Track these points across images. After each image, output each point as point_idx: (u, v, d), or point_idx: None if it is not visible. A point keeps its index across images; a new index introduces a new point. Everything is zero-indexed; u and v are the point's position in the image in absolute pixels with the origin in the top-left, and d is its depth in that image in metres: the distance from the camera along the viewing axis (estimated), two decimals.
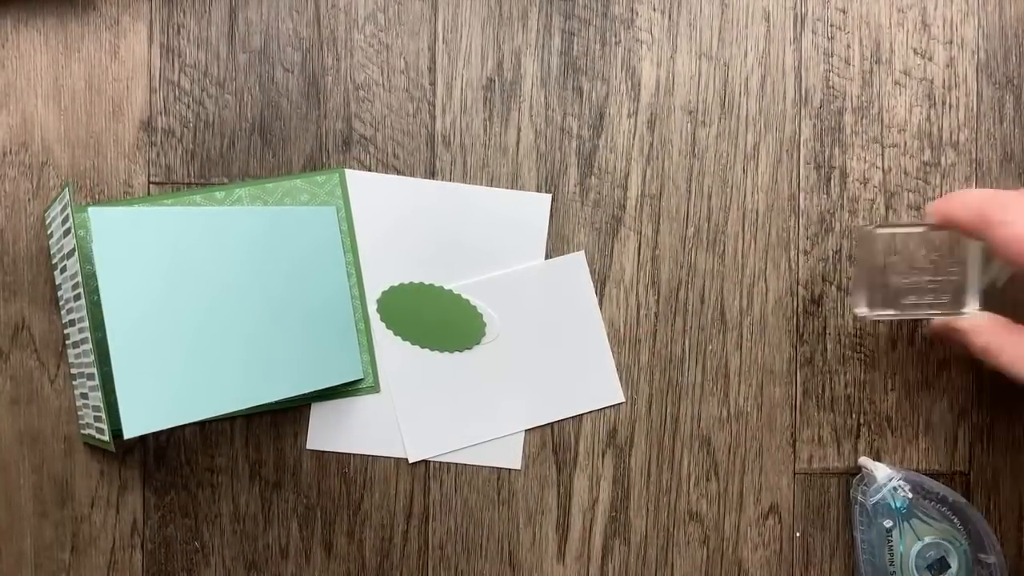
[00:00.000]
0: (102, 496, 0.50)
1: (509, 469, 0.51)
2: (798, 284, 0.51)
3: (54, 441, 0.50)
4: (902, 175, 0.51)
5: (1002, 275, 0.46)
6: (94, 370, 0.46)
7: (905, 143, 0.51)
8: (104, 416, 0.46)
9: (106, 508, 0.50)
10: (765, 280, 0.51)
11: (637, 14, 0.51)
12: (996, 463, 0.51)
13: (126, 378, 0.41)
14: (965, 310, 0.47)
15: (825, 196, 0.51)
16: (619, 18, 0.51)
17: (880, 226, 0.46)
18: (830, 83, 0.51)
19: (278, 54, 0.51)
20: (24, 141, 0.50)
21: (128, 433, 0.40)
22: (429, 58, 0.51)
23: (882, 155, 0.51)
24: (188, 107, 0.50)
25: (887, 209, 0.51)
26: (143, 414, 0.41)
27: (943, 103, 0.51)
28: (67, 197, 0.45)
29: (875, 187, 0.51)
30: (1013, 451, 0.51)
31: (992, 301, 0.46)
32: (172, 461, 0.50)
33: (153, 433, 0.50)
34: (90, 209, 0.40)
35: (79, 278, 0.45)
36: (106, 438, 0.46)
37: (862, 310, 0.47)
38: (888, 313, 0.47)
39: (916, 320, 0.50)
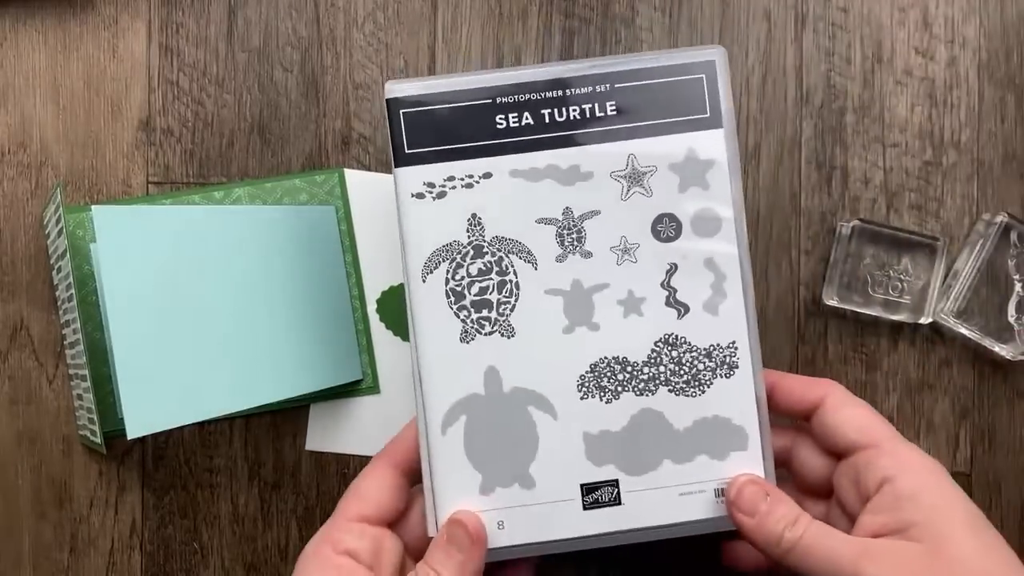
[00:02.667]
0: (101, 497, 0.50)
1: None
2: (799, 284, 0.51)
3: (53, 442, 0.50)
4: (903, 175, 0.51)
5: None
6: (87, 371, 0.46)
7: (906, 143, 0.51)
8: (96, 418, 0.45)
9: (105, 509, 0.50)
10: (766, 280, 0.51)
11: (638, 13, 0.50)
12: (997, 464, 0.51)
13: (129, 379, 0.40)
14: (922, 320, 0.49)
15: (826, 196, 0.51)
16: (619, 17, 0.50)
17: (862, 221, 0.49)
18: (831, 82, 0.51)
19: (277, 53, 0.50)
20: (23, 141, 0.50)
21: (131, 434, 0.40)
22: (429, 57, 0.51)
23: (883, 155, 0.51)
24: (187, 107, 0.50)
25: (888, 209, 0.50)
26: (146, 415, 0.41)
27: (944, 103, 0.51)
28: (58, 198, 0.45)
29: (876, 187, 0.50)
30: (1014, 452, 0.51)
31: None
32: (171, 462, 0.50)
33: (152, 434, 0.49)
34: (93, 207, 0.40)
35: (71, 279, 0.45)
36: (98, 440, 0.46)
37: (832, 299, 0.49)
38: (855, 302, 0.49)
39: (916, 324, 0.50)
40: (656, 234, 0.42)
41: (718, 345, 0.42)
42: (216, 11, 0.50)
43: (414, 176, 0.42)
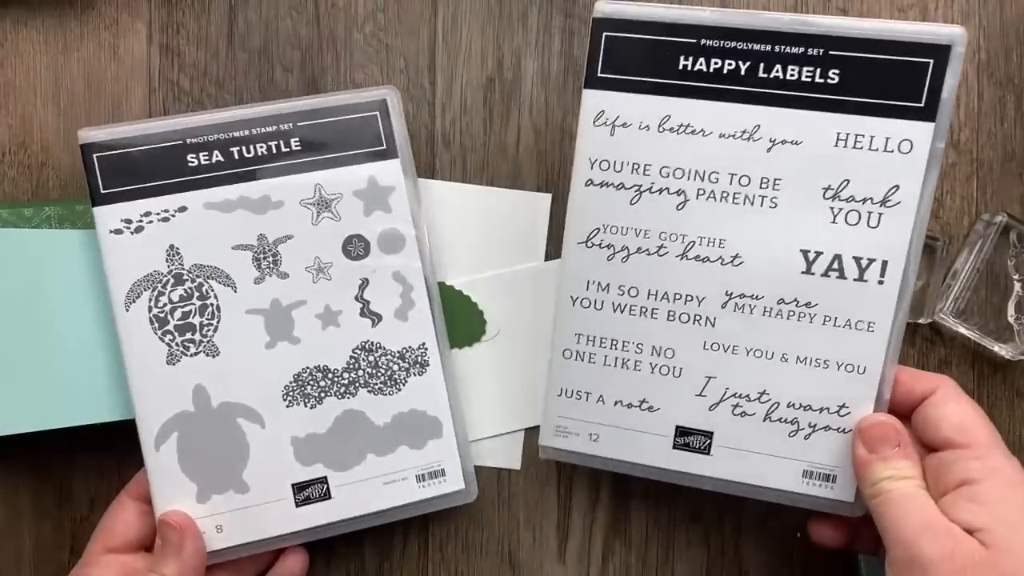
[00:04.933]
0: (101, 497, 0.50)
1: (509, 469, 0.51)
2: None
3: (53, 441, 0.50)
4: None
5: None
6: None
7: None
8: None
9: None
10: None
11: None
12: None
13: None
14: (922, 319, 0.49)
15: None
16: None
17: None
18: None
19: (277, 53, 0.50)
20: (23, 141, 0.50)
21: None
22: (429, 58, 0.51)
23: None
24: (188, 107, 0.50)
25: None
26: None
27: None
28: None
29: None
30: (1014, 452, 0.51)
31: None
32: None
33: None
34: None
35: None
36: None
37: None
38: None
39: (916, 323, 0.50)
40: (347, 253, 0.46)
41: (410, 347, 0.47)
42: (217, 11, 0.50)
43: (111, 214, 0.45)
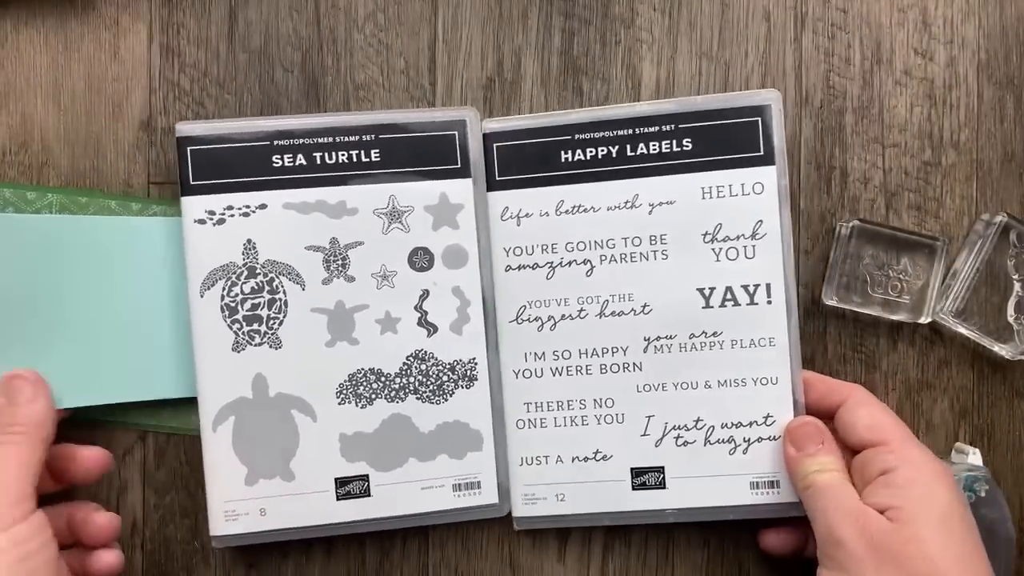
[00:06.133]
0: (102, 496, 0.50)
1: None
2: (799, 284, 0.51)
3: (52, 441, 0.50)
4: (903, 175, 0.51)
5: None
6: None
7: (906, 143, 0.51)
8: None
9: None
10: None
11: (637, 14, 0.51)
12: (997, 464, 0.51)
13: None
14: (921, 319, 0.49)
15: (826, 196, 0.51)
16: (619, 18, 0.50)
17: (862, 221, 0.49)
18: (830, 83, 0.51)
19: (278, 54, 0.51)
20: (24, 141, 0.50)
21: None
22: (429, 58, 0.51)
23: (883, 155, 0.51)
24: (188, 107, 0.50)
25: (887, 209, 0.51)
26: None
27: (944, 103, 0.51)
28: None
29: (875, 187, 0.51)
30: (1013, 452, 0.51)
31: None
32: (172, 461, 0.50)
33: (152, 433, 0.50)
34: None
35: None
36: None
37: (831, 299, 0.49)
38: (855, 302, 0.49)
39: (916, 323, 0.50)
40: (412, 264, 0.48)
41: (460, 360, 0.49)
42: (217, 12, 0.50)
43: (197, 204, 0.47)
